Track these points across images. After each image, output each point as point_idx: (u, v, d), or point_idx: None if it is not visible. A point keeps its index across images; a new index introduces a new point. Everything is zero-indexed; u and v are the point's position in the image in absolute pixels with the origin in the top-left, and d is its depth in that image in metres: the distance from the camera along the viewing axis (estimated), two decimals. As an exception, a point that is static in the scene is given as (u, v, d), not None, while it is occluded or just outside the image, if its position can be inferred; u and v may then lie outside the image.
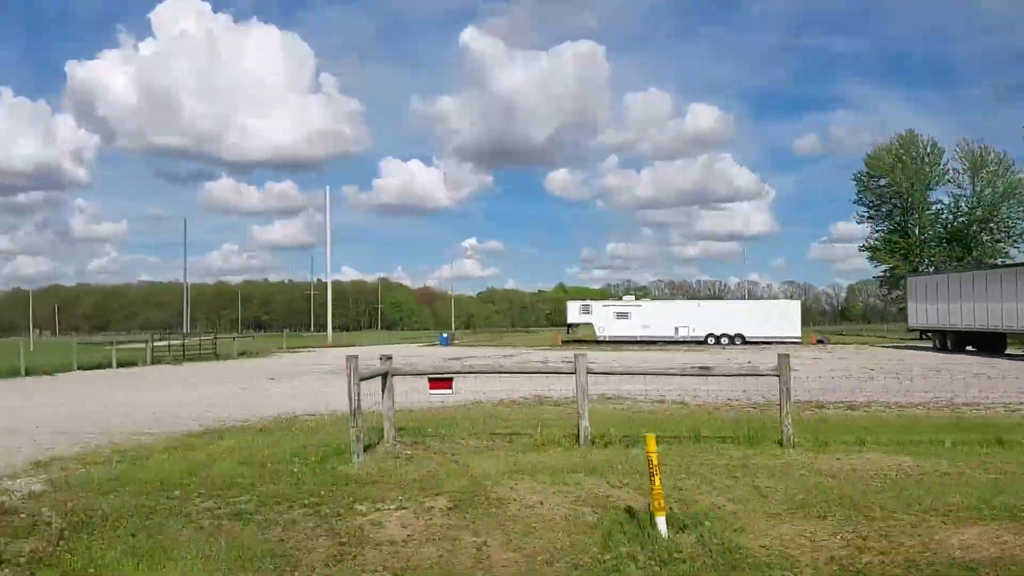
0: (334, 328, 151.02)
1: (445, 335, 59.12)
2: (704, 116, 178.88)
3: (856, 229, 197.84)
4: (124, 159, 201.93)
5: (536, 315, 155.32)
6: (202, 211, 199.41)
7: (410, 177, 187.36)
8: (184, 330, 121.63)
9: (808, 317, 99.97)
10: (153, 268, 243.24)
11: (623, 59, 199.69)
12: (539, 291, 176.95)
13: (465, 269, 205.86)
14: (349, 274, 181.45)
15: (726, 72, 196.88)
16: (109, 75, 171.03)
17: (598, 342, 49.81)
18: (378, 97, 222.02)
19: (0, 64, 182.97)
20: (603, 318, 51.09)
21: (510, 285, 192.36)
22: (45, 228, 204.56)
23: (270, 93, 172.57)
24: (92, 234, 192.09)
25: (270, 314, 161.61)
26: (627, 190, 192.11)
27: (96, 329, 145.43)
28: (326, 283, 79.08)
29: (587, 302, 53.97)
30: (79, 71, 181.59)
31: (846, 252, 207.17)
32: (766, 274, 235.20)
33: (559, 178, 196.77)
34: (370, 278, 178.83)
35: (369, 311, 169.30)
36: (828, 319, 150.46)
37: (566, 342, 52.33)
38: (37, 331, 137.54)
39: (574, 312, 52.31)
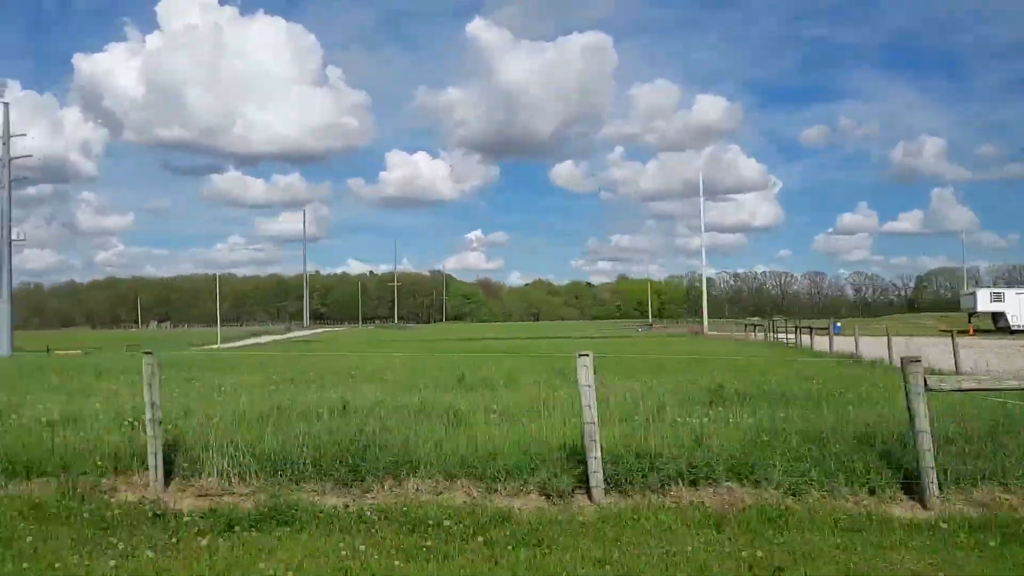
0: (403, 319, 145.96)
1: (839, 324, 56.58)
2: (711, 107, 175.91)
3: (862, 221, 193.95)
4: (131, 152, 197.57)
5: (608, 307, 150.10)
6: (207, 203, 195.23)
7: (416, 169, 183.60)
8: (305, 322, 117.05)
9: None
10: (159, 261, 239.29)
11: (630, 50, 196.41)
12: (602, 283, 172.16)
13: (469, 261, 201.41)
14: (355, 266, 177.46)
15: (734, 62, 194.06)
16: (116, 68, 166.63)
17: (1011, 331, 46.74)
18: (384, 89, 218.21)
19: (8, 57, 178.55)
20: (1018, 306, 48.20)
21: (515, 277, 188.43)
22: (52, 221, 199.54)
23: (276, 85, 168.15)
24: (99, 227, 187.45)
25: (328, 306, 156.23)
26: (632, 182, 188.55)
27: (162, 321, 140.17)
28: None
29: (999, 290, 52.77)
30: (86, 64, 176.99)
31: (852, 243, 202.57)
32: (774, 264, 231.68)
33: (564, 170, 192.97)
34: (425, 271, 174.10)
35: (427, 303, 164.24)
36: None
37: (978, 331, 48.93)
38: (155, 322, 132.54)
39: (983, 300, 50.15)
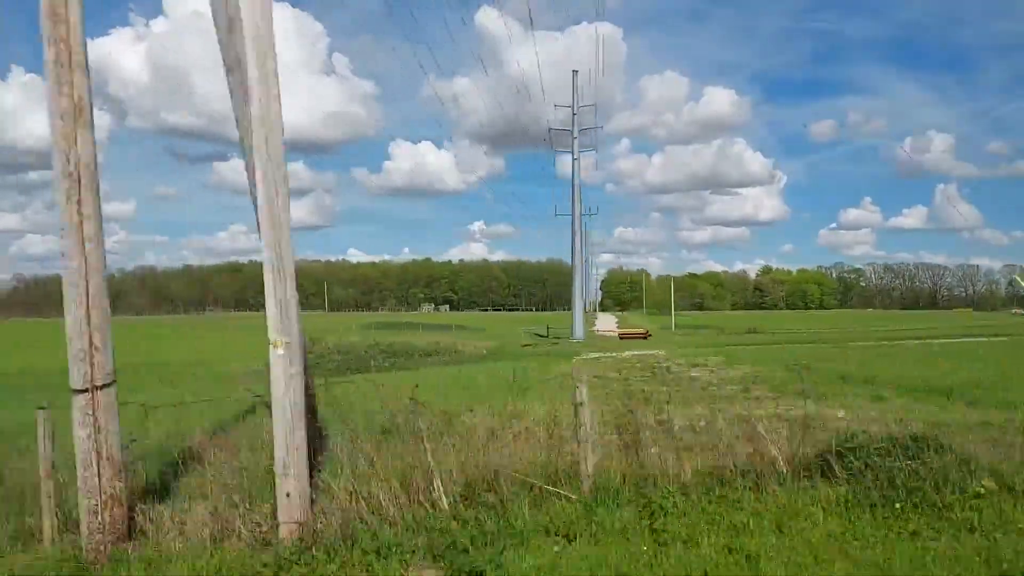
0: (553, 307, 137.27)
1: None
2: (719, 100, 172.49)
3: (867, 216, 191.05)
4: (135, 138, 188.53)
5: (770, 296, 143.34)
6: (212, 191, 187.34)
7: (421, 159, 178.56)
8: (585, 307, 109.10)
9: None
10: (162, 248, 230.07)
11: (640, 41, 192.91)
12: (743, 271, 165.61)
13: (473, 252, 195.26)
14: (356, 256, 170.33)
15: (742, 56, 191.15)
16: (120, 53, 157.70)
17: None
18: (391, 78, 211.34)
19: (11, 40, 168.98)
20: None
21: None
22: (54, 206, 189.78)
23: (282, 73, 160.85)
24: (102, 213, 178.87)
25: (456, 292, 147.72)
26: (638, 174, 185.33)
27: (439, 306, 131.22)
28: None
29: None
30: (90, 49, 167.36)
31: (855, 239, 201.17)
32: (773, 258, 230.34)
33: (570, 162, 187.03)
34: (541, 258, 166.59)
35: (550, 291, 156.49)
36: None
37: None
38: (430, 306, 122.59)
39: None
